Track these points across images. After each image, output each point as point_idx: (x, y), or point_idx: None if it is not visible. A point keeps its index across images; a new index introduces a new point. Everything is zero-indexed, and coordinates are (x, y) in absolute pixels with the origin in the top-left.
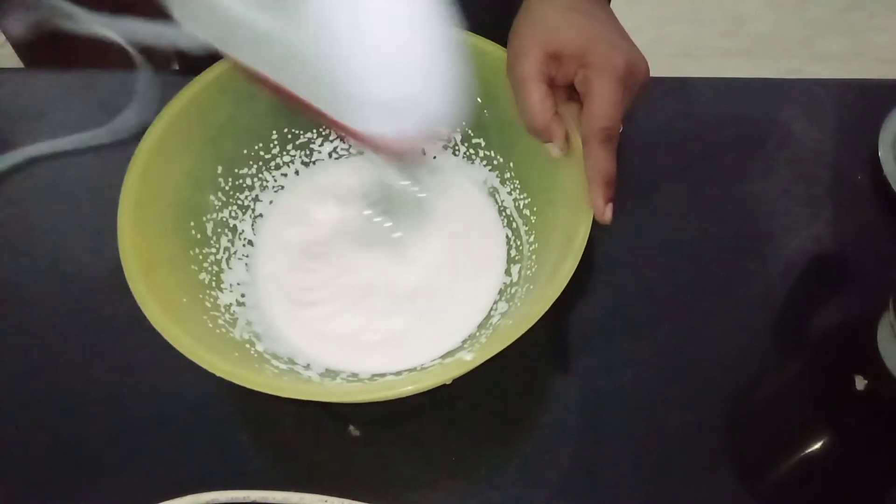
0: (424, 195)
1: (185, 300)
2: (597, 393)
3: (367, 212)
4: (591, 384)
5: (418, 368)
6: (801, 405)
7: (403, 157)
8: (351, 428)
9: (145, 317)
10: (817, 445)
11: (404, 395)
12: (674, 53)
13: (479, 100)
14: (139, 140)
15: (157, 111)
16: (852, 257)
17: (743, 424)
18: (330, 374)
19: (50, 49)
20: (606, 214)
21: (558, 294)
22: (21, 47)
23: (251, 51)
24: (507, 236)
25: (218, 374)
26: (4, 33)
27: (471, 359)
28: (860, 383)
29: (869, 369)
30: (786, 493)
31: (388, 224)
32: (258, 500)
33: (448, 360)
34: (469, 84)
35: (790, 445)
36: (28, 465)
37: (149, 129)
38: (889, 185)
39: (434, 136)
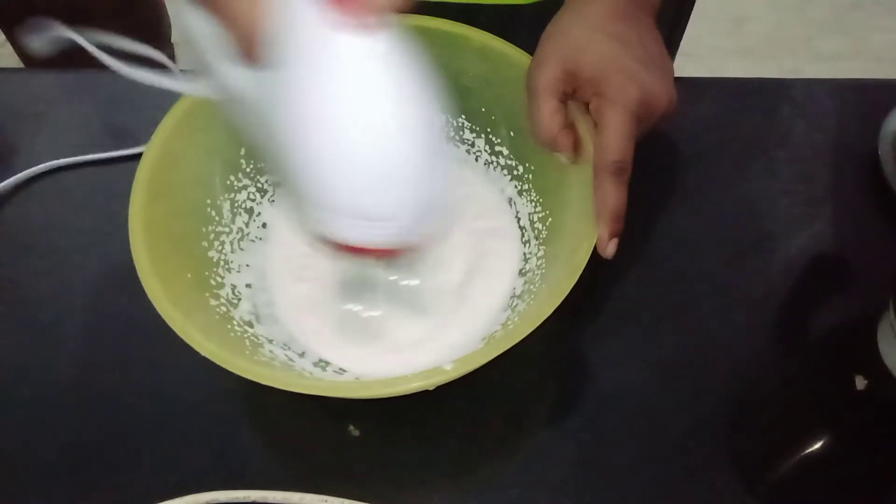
0: (416, 282)
1: (189, 276)
2: (597, 393)
3: (348, 306)
4: (591, 384)
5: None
6: (801, 405)
7: (388, 256)
8: (351, 428)
9: (145, 317)
10: (817, 445)
11: (377, 397)
12: (676, 53)
13: (498, 106)
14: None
15: None
16: (852, 257)
17: (743, 424)
18: (322, 363)
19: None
20: (609, 249)
21: (548, 315)
22: (21, 47)
23: (250, 121)
24: (522, 251)
25: (203, 353)
26: (22, 55)
27: (450, 368)
28: (860, 383)
29: (869, 369)
30: (786, 493)
31: (376, 314)
32: (258, 500)
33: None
34: (448, 195)
35: (790, 445)
36: (28, 465)
37: (173, 107)
38: (889, 185)
39: (417, 242)
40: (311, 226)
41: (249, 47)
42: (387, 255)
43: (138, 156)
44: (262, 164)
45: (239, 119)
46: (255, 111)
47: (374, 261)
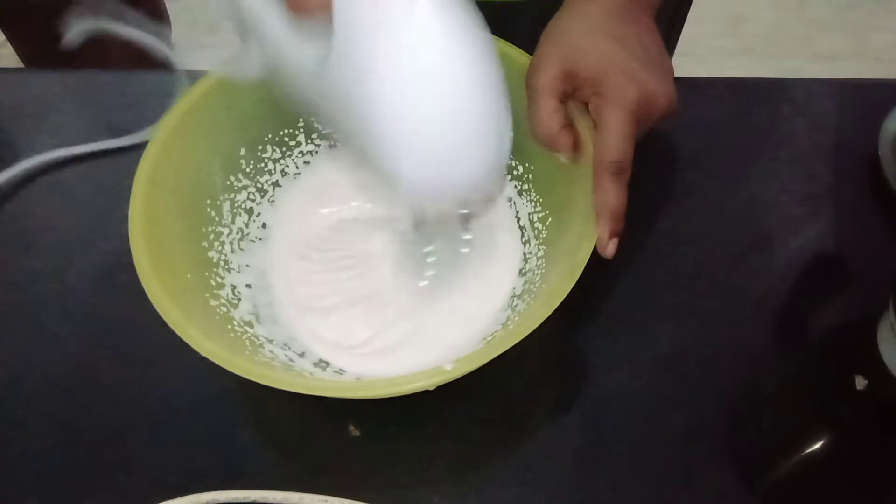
0: (466, 250)
1: (189, 276)
2: (597, 393)
3: (404, 229)
4: (591, 384)
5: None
6: (801, 405)
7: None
8: (351, 428)
9: (145, 317)
10: (817, 445)
11: (378, 397)
12: (674, 53)
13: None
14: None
15: None
16: (852, 257)
17: (743, 424)
18: (322, 364)
19: (50, 49)
20: (608, 249)
21: (548, 315)
22: (21, 47)
23: (301, 86)
24: (522, 251)
25: (203, 353)
26: (22, 55)
27: (451, 368)
28: (860, 383)
29: (869, 369)
30: (786, 493)
31: (426, 249)
32: (258, 500)
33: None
34: (509, 140)
35: (790, 445)
36: (28, 465)
37: (173, 107)
38: (889, 185)
39: (478, 199)
40: (393, 192)
41: (304, 7)
42: (468, 208)
43: (134, 147)
44: (328, 131)
45: (294, 93)
46: (313, 81)
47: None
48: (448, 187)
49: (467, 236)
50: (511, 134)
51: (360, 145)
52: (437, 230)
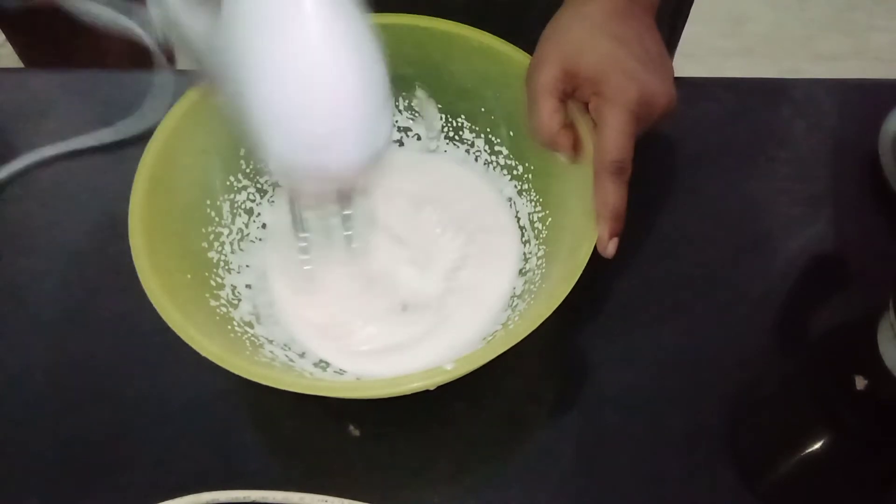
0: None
1: (189, 276)
2: (597, 393)
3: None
4: (591, 384)
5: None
6: (801, 405)
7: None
8: (351, 428)
9: (145, 317)
10: (817, 445)
11: (378, 397)
12: (674, 53)
13: (498, 106)
14: (145, 139)
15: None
16: (852, 257)
17: (743, 424)
18: (322, 364)
19: (50, 49)
20: (609, 249)
21: (548, 315)
22: (21, 47)
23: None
24: (521, 251)
25: (204, 353)
26: (22, 55)
27: (451, 368)
28: (860, 383)
29: (869, 369)
30: (786, 493)
31: (302, 235)
32: (258, 500)
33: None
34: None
35: (790, 445)
36: (28, 465)
37: (173, 107)
38: (889, 185)
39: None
40: (272, 166)
41: None
42: (343, 194)
43: (134, 146)
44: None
45: (192, 58)
46: (205, 48)
47: (329, 205)
48: (317, 172)
49: (347, 211)
50: (389, 127)
51: (244, 116)
52: (311, 214)
